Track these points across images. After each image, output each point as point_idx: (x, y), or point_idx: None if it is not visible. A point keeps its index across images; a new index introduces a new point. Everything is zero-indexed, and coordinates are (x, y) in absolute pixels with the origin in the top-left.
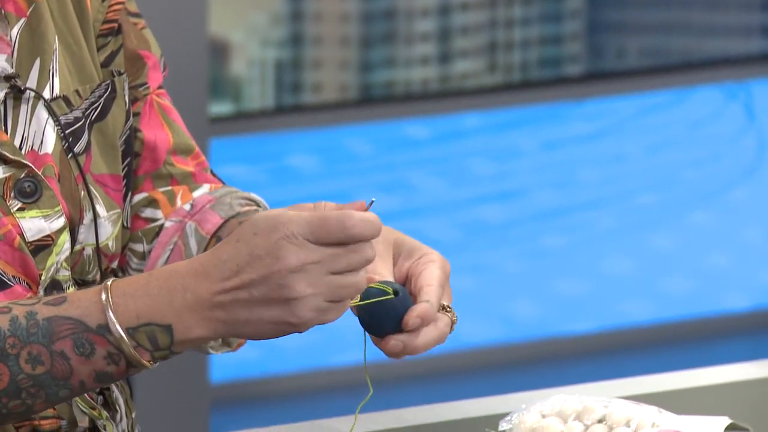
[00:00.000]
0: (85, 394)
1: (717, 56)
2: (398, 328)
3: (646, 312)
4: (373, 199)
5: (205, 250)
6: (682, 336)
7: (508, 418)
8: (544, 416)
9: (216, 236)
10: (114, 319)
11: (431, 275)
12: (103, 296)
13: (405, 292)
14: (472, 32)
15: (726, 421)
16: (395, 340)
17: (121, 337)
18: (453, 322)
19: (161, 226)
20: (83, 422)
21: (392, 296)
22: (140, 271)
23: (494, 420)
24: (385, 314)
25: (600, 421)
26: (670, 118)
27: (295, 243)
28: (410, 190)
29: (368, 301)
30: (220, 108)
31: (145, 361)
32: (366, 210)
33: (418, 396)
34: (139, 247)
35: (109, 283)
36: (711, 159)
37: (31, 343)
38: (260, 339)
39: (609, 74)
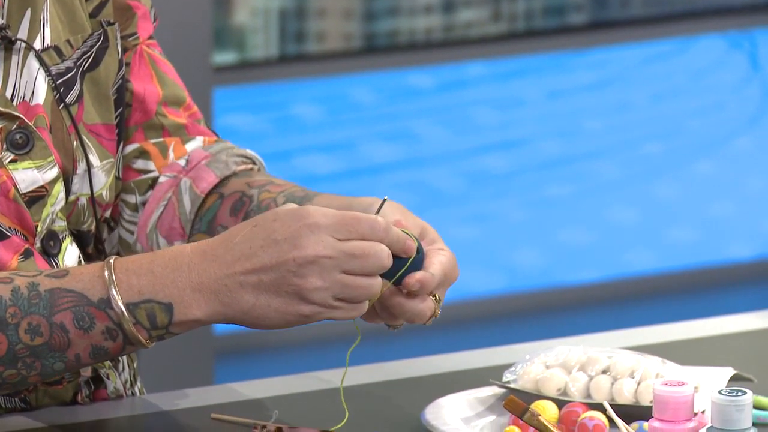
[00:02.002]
0: None
1: (721, 5)
2: (399, 282)
3: (650, 262)
4: (386, 197)
5: (199, 209)
6: (686, 286)
7: (512, 369)
8: (548, 367)
9: (215, 193)
10: (116, 295)
11: (440, 260)
12: (106, 273)
13: (422, 253)
14: None
15: (730, 371)
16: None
17: (122, 312)
18: (434, 315)
19: (154, 179)
20: (86, 372)
21: (417, 255)
22: (133, 222)
23: (498, 371)
24: (399, 265)
25: (604, 372)
26: (675, 67)
27: (316, 234)
28: (414, 140)
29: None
30: (224, 57)
31: (142, 339)
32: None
33: (421, 347)
34: (132, 199)
35: (111, 260)
36: (715, 108)
37: (32, 313)
38: (261, 327)
39: (613, 23)
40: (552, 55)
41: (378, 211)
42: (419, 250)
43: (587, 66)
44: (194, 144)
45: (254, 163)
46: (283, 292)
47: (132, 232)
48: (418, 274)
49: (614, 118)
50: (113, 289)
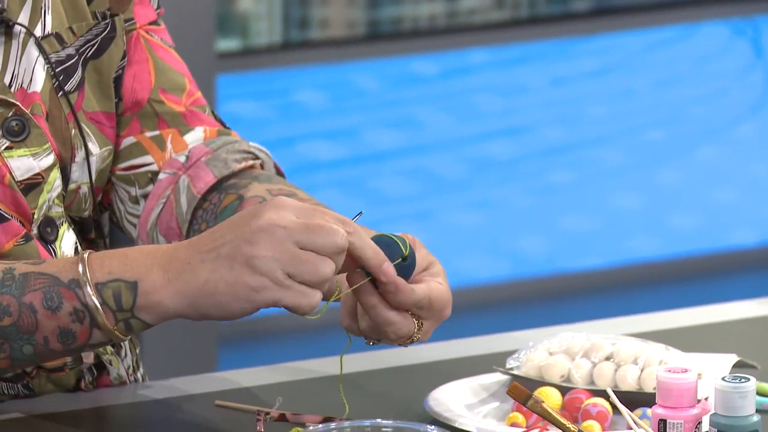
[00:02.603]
0: None
1: None
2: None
3: (654, 248)
4: (362, 212)
5: (194, 211)
6: (689, 272)
7: (516, 355)
8: (551, 354)
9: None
10: (87, 275)
11: (430, 286)
12: (82, 257)
13: (412, 262)
14: None
15: (733, 358)
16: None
17: (90, 292)
18: (413, 339)
19: (153, 172)
20: (88, 359)
21: (401, 260)
22: (135, 215)
23: (501, 357)
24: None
25: (607, 359)
26: (678, 53)
27: (278, 210)
28: (417, 127)
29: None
30: (228, 44)
31: (108, 323)
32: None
33: None
34: (132, 191)
35: (86, 255)
36: (718, 95)
37: (3, 293)
38: (217, 312)
39: (616, 10)
40: (555, 41)
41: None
42: (407, 257)
43: (591, 53)
44: (194, 136)
45: (257, 158)
46: (235, 263)
47: (134, 225)
48: (400, 281)
49: (617, 104)
50: (84, 268)
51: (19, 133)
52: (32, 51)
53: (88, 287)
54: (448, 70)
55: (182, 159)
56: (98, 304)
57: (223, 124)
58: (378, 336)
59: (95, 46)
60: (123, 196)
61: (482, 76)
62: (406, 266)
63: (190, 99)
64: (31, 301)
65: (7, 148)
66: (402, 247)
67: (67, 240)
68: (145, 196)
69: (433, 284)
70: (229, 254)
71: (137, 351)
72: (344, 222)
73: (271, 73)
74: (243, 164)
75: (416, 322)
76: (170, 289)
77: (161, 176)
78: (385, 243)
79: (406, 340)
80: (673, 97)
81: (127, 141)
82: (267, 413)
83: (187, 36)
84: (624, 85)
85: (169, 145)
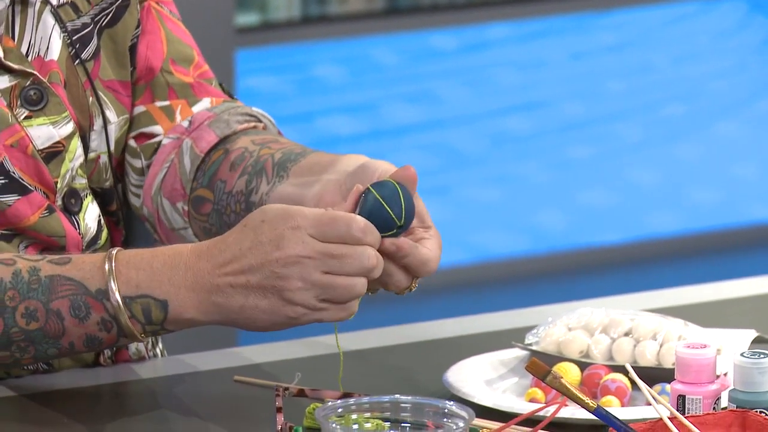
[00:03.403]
0: None
1: None
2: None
3: (672, 223)
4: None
5: (198, 169)
6: (708, 247)
7: (535, 331)
8: (570, 329)
9: (221, 149)
10: (114, 287)
11: (432, 244)
12: (107, 265)
13: (409, 220)
14: None
15: (752, 333)
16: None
17: (118, 305)
18: (410, 288)
19: (159, 143)
20: None
21: (394, 231)
22: (140, 186)
23: (520, 333)
24: (386, 227)
25: (626, 334)
26: (697, 28)
27: (298, 235)
28: (436, 101)
29: (385, 234)
30: (247, 19)
31: (136, 332)
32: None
33: (443, 309)
34: (138, 163)
35: (114, 252)
36: (737, 69)
37: (30, 298)
38: (256, 329)
39: None
40: (574, 16)
41: (358, 208)
42: (403, 224)
43: (610, 27)
44: (201, 106)
45: (259, 121)
46: (269, 293)
47: (138, 196)
48: (399, 242)
49: (636, 79)
50: (112, 281)
51: (37, 101)
52: (48, 19)
53: (117, 300)
54: (467, 45)
55: (185, 124)
56: (126, 318)
57: (230, 95)
58: (377, 286)
59: (110, 15)
60: (128, 168)
61: (501, 50)
62: (403, 227)
63: (197, 71)
64: (59, 308)
65: (26, 118)
66: (396, 220)
67: (91, 212)
68: (150, 167)
69: (433, 243)
70: (261, 285)
71: None
72: (364, 231)
73: (291, 47)
74: (245, 125)
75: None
76: (202, 309)
77: (165, 141)
78: (383, 218)
79: (405, 290)
80: (692, 71)
81: (138, 110)
82: (286, 389)
83: (207, 11)
84: (643, 59)
85: (178, 117)
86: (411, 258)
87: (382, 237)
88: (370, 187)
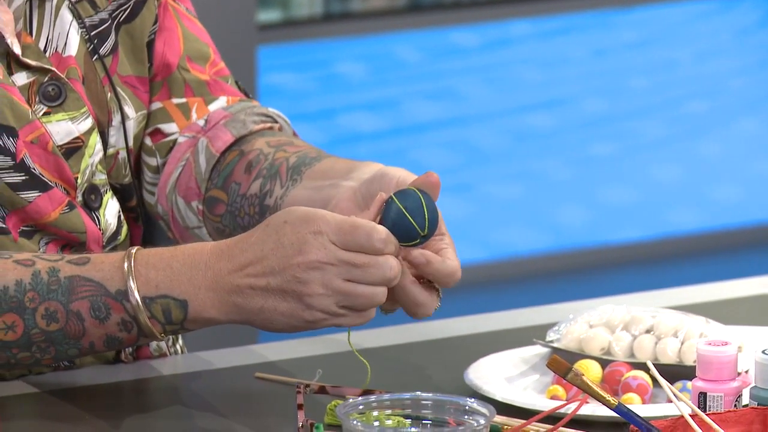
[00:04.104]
0: None
1: None
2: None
3: (694, 220)
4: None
5: (213, 168)
6: (730, 244)
7: (556, 328)
8: (591, 326)
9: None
10: (133, 287)
11: (453, 254)
12: (126, 265)
13: (432, 230)
14: None
15: None
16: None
17: (138, 305)
18: (435, 306)
19: (175, 141)
20: None
21: (417, 241)
22: (154, 184)
23: (541, 330)
24: (408, 237)
25: (648, 332)
26: (719, 25)
27: (320, 241)
28: (458, 98)
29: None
30: (269, 16)
31: (156, 332)
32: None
33: (464, 306)
34: (153, 161)
35: (133, 251)
36: (759, 67)
37: (50, 299)
38: (273, 331)
39: None
40: (597, 12)
41: (381, 217)
42: (426, 235)
43: (632, 24)
44: (217, 105)
45: (275, 122)
46: (288, 297)
47: (153, 194)
48: (427, 254)
49: (658, 76)
50: (131, 282)
51: (55, 97)
52: (66, 15)
53: (137, 300)
54: (489, 42)
55: (201, 123)
56: (146, 319)
57: (246, 94)
58: (396, 307)
59: (128, 11)
60: (143, 166)
61: (523, 47)
62: (426, 237)
63: (213, 69)
64: (79, 309)
65: (45, 114)
66: (419, 230)
67: (111, 208)
68: (165, 166)
69: (449, 262)
70: (281, 288)
71: None
72: (385, 241)
73: (312, 44)
74: (261, 125)
75: (438, 294)
76: (221, 309)
77: (180, 140)
78: (405, 228)
79: (429, 309)
80: (714, 68)
81: (155, 106)
82: (307, 385)
83: (228, 7)
84: (665, 56)
85: (194, 115)
86: (438, 270)
87: (404, 246)
88: (393, 196)
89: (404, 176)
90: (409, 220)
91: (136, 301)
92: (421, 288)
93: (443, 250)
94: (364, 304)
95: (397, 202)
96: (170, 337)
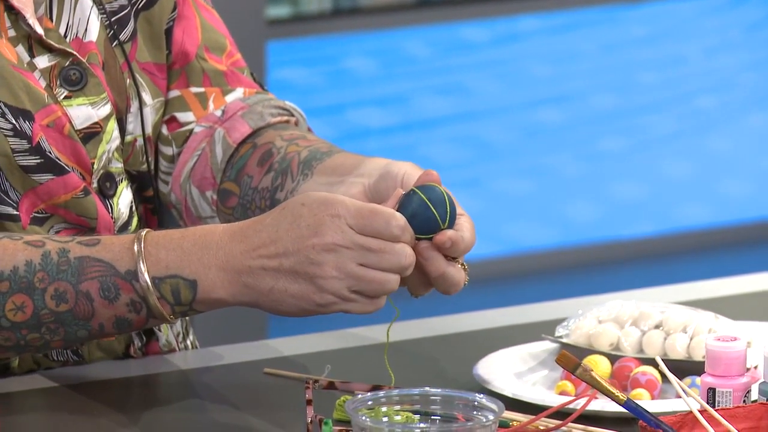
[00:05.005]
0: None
1: None
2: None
3: (704, 216)
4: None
5: (230, 159)
6: (739, 240)
7: (565, 323)
8: (600, 322)
9: (249, 143)
10: (143, 268)
11: (469, 226)
12: (136, 246)
13: (453, 220)
14: None
15: None
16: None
17: (147, 286)
18: (464, 281)
19: (191, 131)
20: None
21: (431, 236)
22: (169, 173)
23: (550, 326)
24: (427, 229)
25: (657, 327)
26: (729, 20)
27: (337, 223)
28: (467, 93)
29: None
30: (278, 11)
31: (165, 313)
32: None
33: (473, 301)
34: (168, 150)
35: (143, 233)
36: None
37: (59, 280)
38: (281, 314)
39: None
40: (606, 8)
41: (400, 207)
42: (448, 225)
43: (641, 19)
44: (234, 96)
45: (292, 115)
46: (300, 278)
47: (167, 183)
48: (449, 233)
49: (668, 71)
50: (141, 262)
51: (77, 82)
52: (85, 1)
53: (146, 280)
54: (499, 37)
55: (218, 113)
56: (155, 299)
57: (261, 86)
58: (424, 290)
59: None
60: (158, 155)
61: (533, 42)
62: (444, 231)
63: (230, 60)
64: (88, 289)
65: (65, 97)
66: (440, 221)
67: (125, 197)
68: (181, 155)
69: (464, 221)
70: (293, 269)
71: (187, 318)
72: (402, 228)
73: (322, 39)
74: (278, 118)
75: (462, 266)
76: (230, 290)
77: (197, 129)
78: (426, 219)
79: (460, 283)
80: (724, 63)
81: (173, 94)
82: (316, 381)
83: (238, 2)
84: (675, 51)
85: (211, 105)
86: (464, 248)
87: (419, 239)
88: (416, 189)
89: (410, 169)
90: (432, 210)
91: (146, 281)
92: (455, 268)
93: (458, 225)
94: (376, 290)
95: (420, 193)
96: (180, 331)
